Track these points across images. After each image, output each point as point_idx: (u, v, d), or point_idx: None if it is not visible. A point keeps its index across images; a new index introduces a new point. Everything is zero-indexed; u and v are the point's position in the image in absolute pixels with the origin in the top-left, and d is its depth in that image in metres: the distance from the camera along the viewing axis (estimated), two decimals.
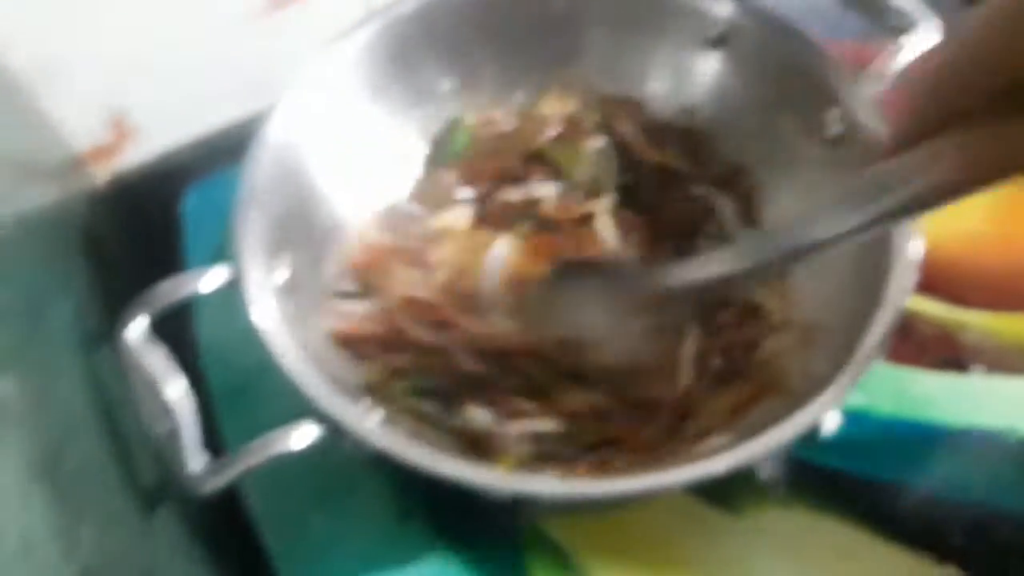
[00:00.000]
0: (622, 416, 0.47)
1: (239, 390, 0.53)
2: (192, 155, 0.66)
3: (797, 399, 0.41)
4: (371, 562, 0.48)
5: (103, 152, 0.64)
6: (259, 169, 0.46)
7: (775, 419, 0.40)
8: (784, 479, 0.50)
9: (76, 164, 0.63)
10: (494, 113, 0.56)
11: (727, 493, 0.49)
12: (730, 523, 0.49)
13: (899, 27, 0.48)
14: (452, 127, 0.55)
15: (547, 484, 0.39)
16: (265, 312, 0.41)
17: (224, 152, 0.65)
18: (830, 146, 0.48)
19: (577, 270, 0.51)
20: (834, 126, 0.48)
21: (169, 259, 0.57)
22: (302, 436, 0.39)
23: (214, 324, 0.56)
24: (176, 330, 0.42)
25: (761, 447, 0.39)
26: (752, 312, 0.50)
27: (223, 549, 0.48)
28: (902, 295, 0.42)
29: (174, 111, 0.64)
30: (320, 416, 0.39)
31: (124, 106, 0.62)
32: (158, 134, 0.65)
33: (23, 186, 0.47)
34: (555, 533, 0.49)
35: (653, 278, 0.48)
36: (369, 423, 0.39)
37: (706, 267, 0.45)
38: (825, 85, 0.49)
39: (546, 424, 0.47)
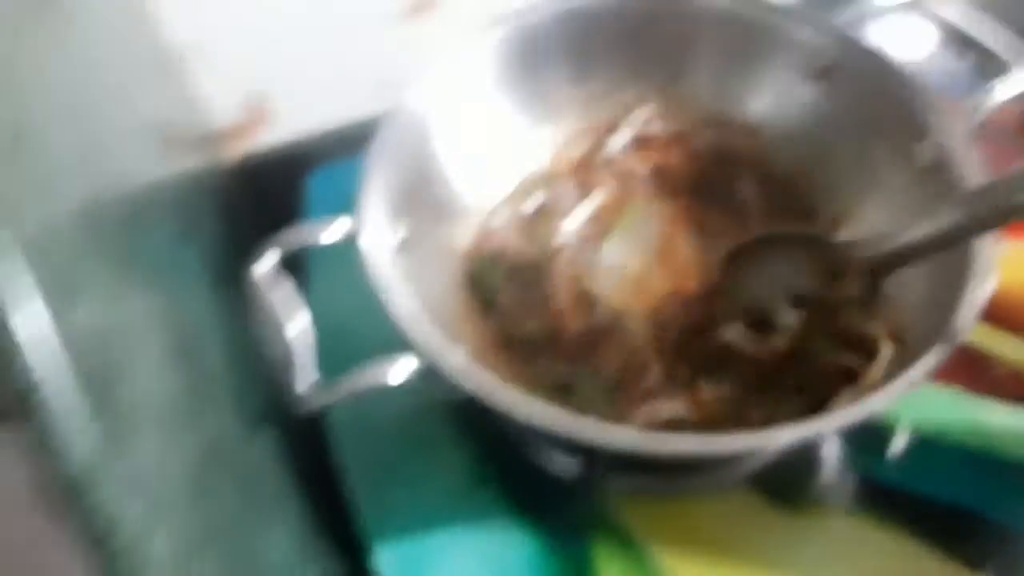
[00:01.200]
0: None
1: (342, 333, 0.56)
2: (320, 143, 0.70)
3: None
4: (443, 519, 0.50)
5: (239, 131, 0.69)
6: (389, 138, 0.50)
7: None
8: (846, 489, 0.51)
9: (214, 140, 0.67)
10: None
11: (790, 495, 0.50)
12: (792, 523, 0.49)
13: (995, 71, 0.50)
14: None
15: (626, 435, 0.40)
16: (378, 258, 0.44)
17: (350, 144, 0.69)
18: (920, 175, 0.50)
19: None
20: (925, 155, 0.49)
21: None
22: (400, 369, 0.41)
23: (326, 281, 0.58)
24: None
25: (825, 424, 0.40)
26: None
27: (313, 483, 0.50)
28: (970, 318, 0.42)
29: (308, 100, 0.68)
30: (419, 354, 0.41)
31: (263, 90, 0.67)
32: (291, 119, 0.69)
33: (165, 154, 0.51)
34: (622, 516, 0.50)
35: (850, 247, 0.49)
36: (466, 364, 0.41)
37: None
38: (918, 116, 0.50)
39: (675, 408, 0.49)
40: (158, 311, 0.36)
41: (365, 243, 0.45)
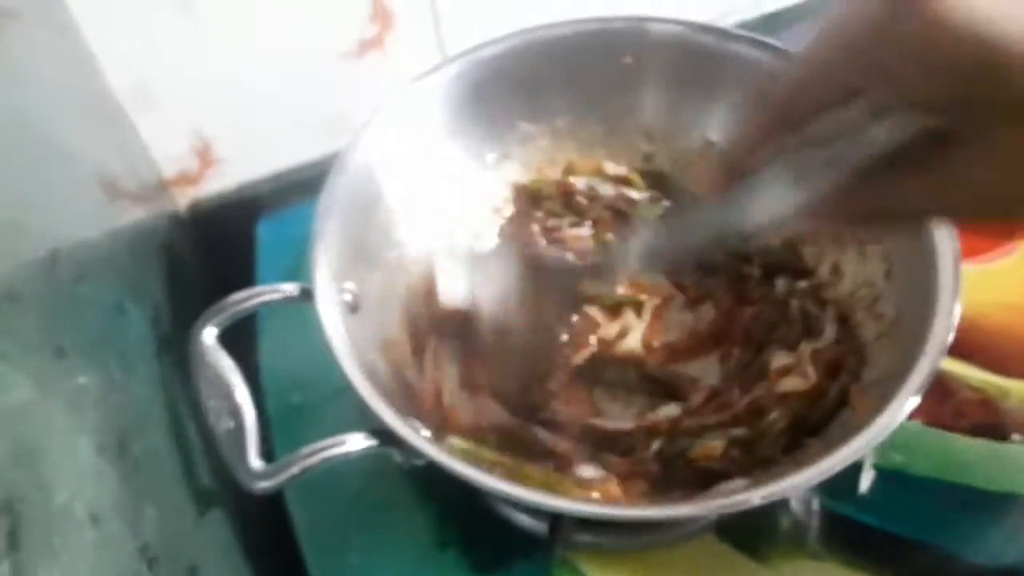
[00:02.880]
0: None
1: (296, 409, 0.54)
2: (269, 188, 0.67)
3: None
4: None
5: (187, 178, 0.65)
6: (338, 191, 0.46)
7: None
8: (814, 532, 0.48)
9: (161, 187, 0.64)
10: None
11: (757, 540, 0.48)
12: (760, 571, 0.47)
13: None
14: None
15: (579, 504, 0.38)
16: (333, 326, 0.41)
17: (299, 187, 0.67)
18: None
19: None
20: None
21: (241, 284, 0.57)
22: (355, 443, 0.39)
23: (277, 346, 0.56)
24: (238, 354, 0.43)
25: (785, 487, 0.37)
26: None
27: (265, 558, 0.47)
28: (938, 353, 0.40)
29: (256, 144, 0.65)
30: (378, 428, 0.38)
31: (210, 135, 0.64)
32: (239, 165, 0.66)
33: (112, 203, 0.48)
34: (584, 566, 0.47)
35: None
36: (424, 437, 0.38)
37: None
38: None
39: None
40: (93, 393, 0.33)
41: (321, 308, 0.41)
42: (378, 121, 0.50)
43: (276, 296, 0.42)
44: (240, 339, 0.44)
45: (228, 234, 0.64)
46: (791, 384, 0.48)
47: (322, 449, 0.38)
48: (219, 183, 0.66)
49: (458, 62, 0.52)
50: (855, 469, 0.49)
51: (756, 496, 0.36)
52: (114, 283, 0.41)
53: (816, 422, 0.45)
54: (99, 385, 0.34)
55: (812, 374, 0.47)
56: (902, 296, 0.44)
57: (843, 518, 0.48)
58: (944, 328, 0.40)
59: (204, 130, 0.63)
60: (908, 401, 0.38)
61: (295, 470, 0.38)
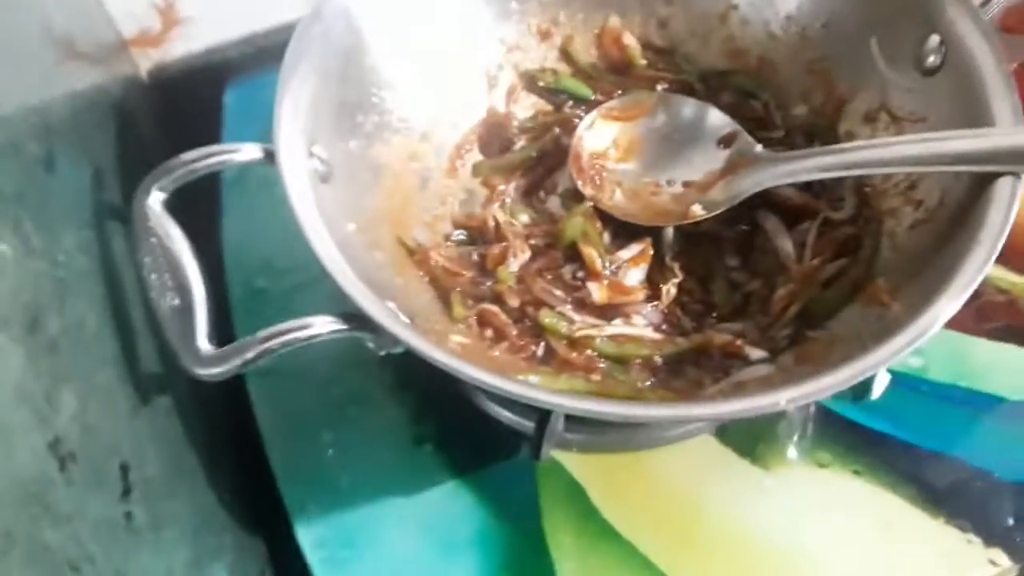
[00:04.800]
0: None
1: (260, 293, 0.47)
2: (238, 52, 0.59)
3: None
4: (379, 485, 0.42)
5: (148, 39, 0.57)
6: (310, 40, 0.39)
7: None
8: (808, 431, 0.43)
9: (120, 48, 0.55)
10: None
11: (756, 443, 0.43)
12: (758, 477, 0.42)
13: None
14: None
15: (570, 400, 0.31)
16: (299, 193, 0.34)
17: (271, 52, 0.58)
18: (924, 77, 0.40)
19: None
20: (931, 56, 0.40)
21: None
22: (322, 326, 0.32)
23: (241, 224, 0.49)
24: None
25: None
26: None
27: (220, 457, 0.41)
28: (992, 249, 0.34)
29: (225, 3, 0.56)
30: (351, 311, 0.32)
31: None
32: (206, 26, 0.57)
33: (65, 64, 0.40)
34: (571, 467, 0.42)
35: None
36: (398, 320, 0.32)
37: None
38: (925, 5, 0.40)
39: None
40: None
41: (285, 172, 0.34)
42: None
43: (233, 156, 0.35)
44: (200, 218, 0.37)
45: (193, 101, 0.56)
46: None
47: (283, 332, 0.32)
48: (184, 46, 0.58)
49: None
50: None
51: (783, 398, 0.30)
52: (42, 136, 0.33)
53: (820, 312, 0.40)
54: (7, 248, 0.27)
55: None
56: (947, 180, 0.37)
57: (852, 423, 0.43)
58: (1000, 220, 0.33)
59: None
60: (954, 301, 0.32)
61: (250, 355, 0.31)
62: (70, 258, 0.31)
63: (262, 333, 0.32)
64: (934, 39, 0.39)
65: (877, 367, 0.32)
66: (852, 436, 0.43)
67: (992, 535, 0.40)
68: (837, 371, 0.31)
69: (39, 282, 0.28)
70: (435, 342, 0.32)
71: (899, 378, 0.43)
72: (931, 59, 0.40)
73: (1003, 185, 0.34)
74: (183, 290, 0.32)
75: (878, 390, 0.43)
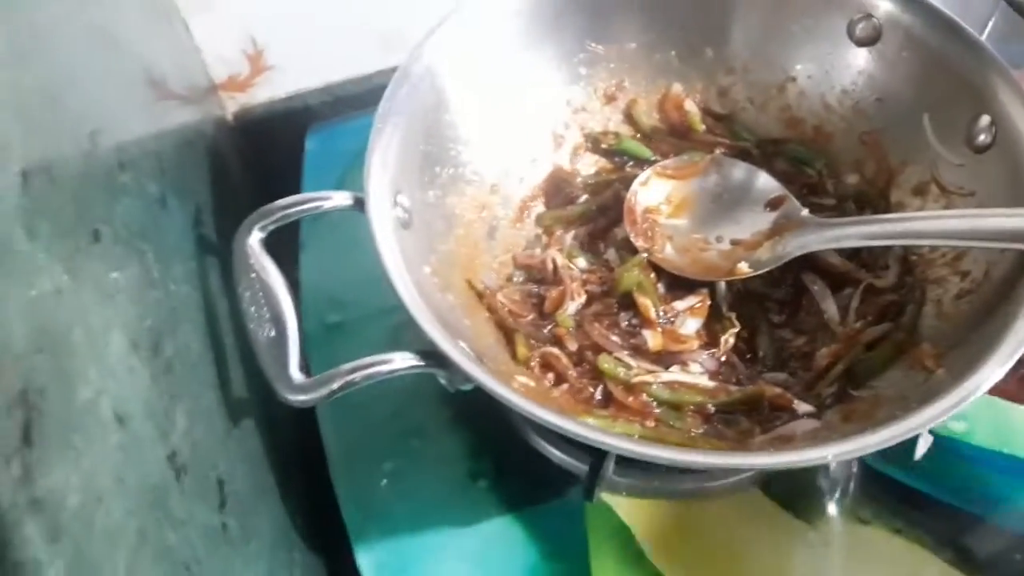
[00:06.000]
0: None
1: (333, 328, 0.50)
2: (319, 99, 0.63)
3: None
4: (435, 516, 0.44)
5: (236, 83, 0.61)
6: (398, 98, 0.42)
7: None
8: (861, 497, 0.44)
9: (210, 91, 0.59)
10: None
11: (800, 499, 0.44)
12: (801, 530, 0.43)
13: None
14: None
15: (627, 443, 0.33)
16: (385, 238, 0.37)
17: (350, 101, 0.63)
18: (975, 154, 0.42)
19: None
20: (982, 135, 0.42)
21: (285, 194, 0.53)
22: (402, 361, 0.35)
23: (317, 262, 0.53)
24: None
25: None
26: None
27: (292, 477, 0.44)
28: None
29: (309, 54, 0.60)
30: (427, 348, 0.34)
31: (264, 42, 0.59)
32: (291, 74, 0.61)
33: (159, 102, 0.44)
34: (622, 512, 0.43)
35: None
36: (471, 359, 0.35)
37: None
38: (978, 86, 0.42)
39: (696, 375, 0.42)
40: (129, 286, 0.29)
41: (374, 219, 0.37)
42: (445, 28, 0.45)
43: (326, 204, 0.38)
44: (278, 254, 0.40)
45: (275, 143, 0.60)
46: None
47: (367, 366, 0.34)
48: (268, 91, 0.62)
49: None
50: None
51: (831, 452, 0.32)
52: (157, 176, 0.37)
53: (863, 373, 0.41)
54: (136, 278, 0.30)
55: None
56: (993, 253, 0.39)
57: (894, 482, 0.45)
58: None
59: (258, 35, 0.59)
60: (999, 368, 0.34)
61: (336, 385, 0.34)
62: (179, 288, 0.34)
63: (346, 366, 0.34)
64: (985, 119, 0.42)
65: (920, 428, 0.33)
66: (894, 495, 0.44)
67: None
68: (881, 430, 0.33)
69: (158, 309, 0.31)
70: (502, 381, 0.35)
71: (943, 441, 0.45)
72: (982, 137, 0.42)
73: None
74: (278, 322, 0.35)
75: (921, 451, 0.45)
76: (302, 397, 0.34)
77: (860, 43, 0.47)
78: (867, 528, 0.44)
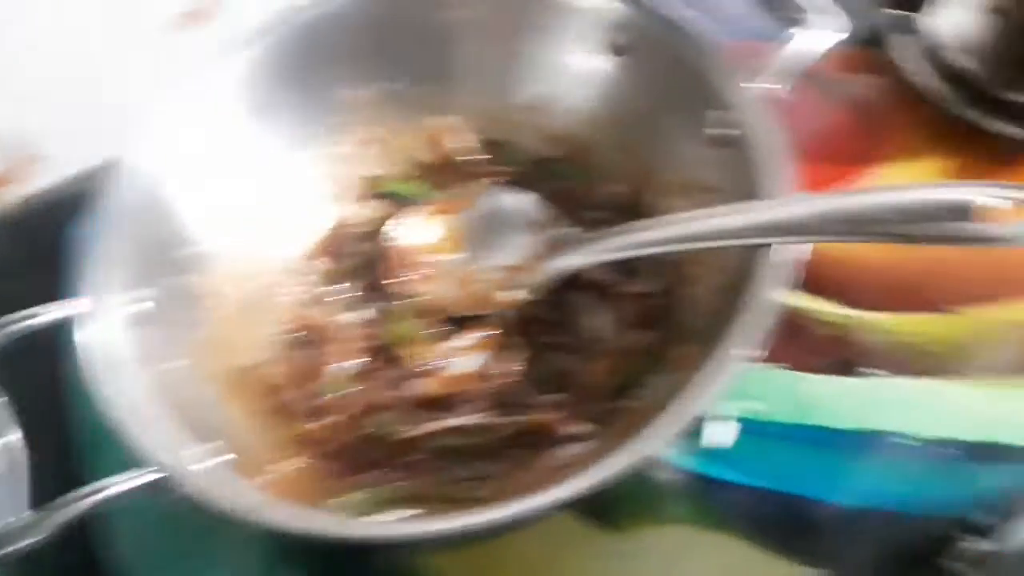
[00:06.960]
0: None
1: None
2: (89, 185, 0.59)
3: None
4: None
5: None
6: (118, 196, 0.41)
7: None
8: (659, 491, 0.44)
9: None
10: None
11: (608, 509, 0.44)
12: (614, 543, 0.43)
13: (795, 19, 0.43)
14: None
15: (388, 528, 0.33)
16: (106, 345, 0.35)
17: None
18: (714, 147, 0.43)
19: None
20: (716, 127, 0.43)
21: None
22: (137, 480, 0.33)
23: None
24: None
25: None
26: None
27: None
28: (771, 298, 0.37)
29: (75, 137, 0.57)
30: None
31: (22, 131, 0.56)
32: (59, 162, 0.58)
33: None
34: (433, 565, 0.42)
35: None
36: (201, 467, 0.33)
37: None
38: (709, 86, 0.44)
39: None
40: None
41: (80, 333, 0.36)
42: (167, 106, 0.44)
43: (33, 322, 0.36)
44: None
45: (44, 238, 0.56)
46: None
47: (95, 491, 0.32)
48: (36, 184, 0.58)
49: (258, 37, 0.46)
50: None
51: (608, 470, 0.32)
52: None
53: (632, 383, 0.42)
54: None
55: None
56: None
57: (704, 477, 0.44)
58: (763, 287, 0.36)
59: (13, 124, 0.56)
60: (734, 351, 0.35)
61: (63, 518, 0.32)
62: None
63: (71, 495, 0.32)
64: (718, 115, 0.43)
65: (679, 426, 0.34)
66: (708, 489, 0.44)
67: (846, 571, 0.41)
68: (645, 439, 0.33)
69: None
70: (248, 476, 0.33)
71: (749, 426, 0.45)
72: (718, 132, 0.43)
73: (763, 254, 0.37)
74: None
75: (728, 440, 0.45)
76: (23, 540, 0.31)
77: (609, 54, 0.48)
78: (683, 528, 0.43)
